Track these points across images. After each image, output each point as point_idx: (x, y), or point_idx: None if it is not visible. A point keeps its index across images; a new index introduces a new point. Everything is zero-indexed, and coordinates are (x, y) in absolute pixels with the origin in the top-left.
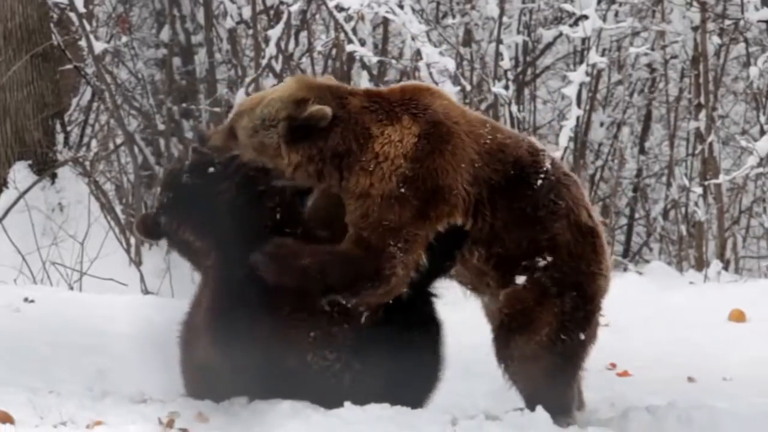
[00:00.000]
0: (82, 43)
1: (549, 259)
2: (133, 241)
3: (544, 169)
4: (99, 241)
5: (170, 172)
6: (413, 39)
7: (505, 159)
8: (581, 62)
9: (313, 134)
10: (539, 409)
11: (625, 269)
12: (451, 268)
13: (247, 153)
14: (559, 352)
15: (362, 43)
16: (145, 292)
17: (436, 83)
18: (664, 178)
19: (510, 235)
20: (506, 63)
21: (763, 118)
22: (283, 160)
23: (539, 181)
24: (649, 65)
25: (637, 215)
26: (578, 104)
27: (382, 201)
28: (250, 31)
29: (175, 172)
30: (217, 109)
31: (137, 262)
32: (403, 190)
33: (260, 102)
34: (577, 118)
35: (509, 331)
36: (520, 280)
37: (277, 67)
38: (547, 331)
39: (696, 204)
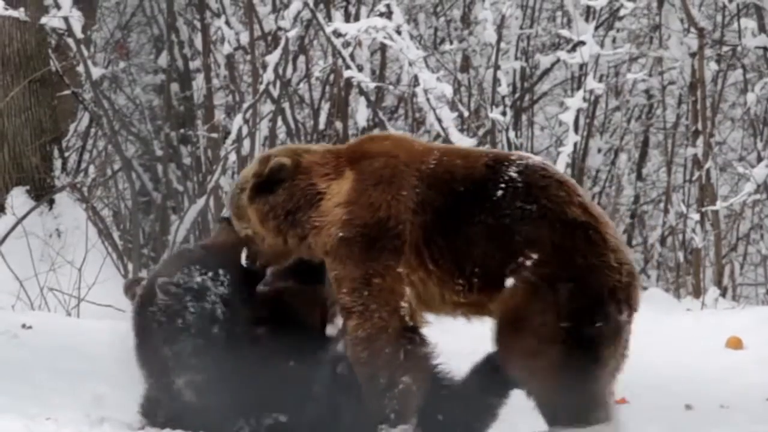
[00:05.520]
0: (80, 68)
1: (534, 256)
2: (130, 267)
3: (505, 179)
4: (97, 267)
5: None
6: (411, 65)
7: (453, 179)
8: (579, 88)
9: (276, 191)
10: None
11: None
12: None
13: (240, 229)
14: (562, 343)
15: (360, 68)
16: None
17: (434, 109)
18: (661, 205)
19: (478, 249)
20: (504, 89)
21: (760, 145)
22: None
23: (499, 192)
24: (646, 91)
25: (634, 242)
26: (575, 130)
27: (333, 254)
28: (248, 57)
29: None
30: (214, 135)
31: None
32: (341, 234)
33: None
34: (575, 145)
35: (505, 333)
36: (509, 282)
37: (275, 92)
38: (542, 322)
39: (693, 231)
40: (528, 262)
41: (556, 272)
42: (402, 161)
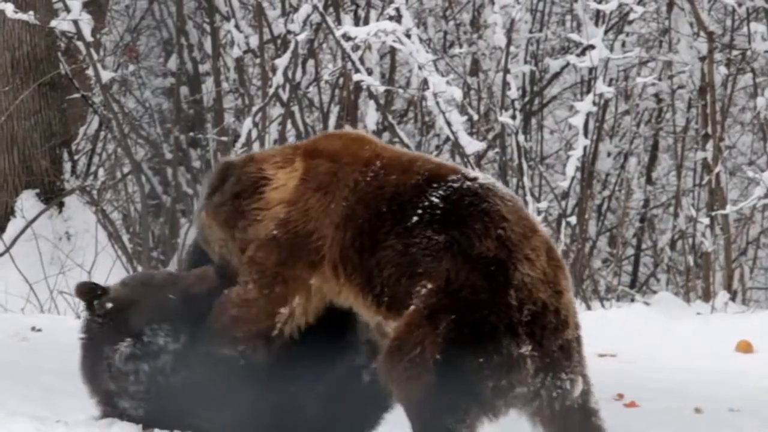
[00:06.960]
0: (90, 72)
1: (429, 286)
2: (140, 270)
3: (425, 204)
4: (106, 270)
5: None
6: (420, 68)
7: (381, 196)
8: (588, 92)
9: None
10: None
11: (633, 300)
12: None
13: (212, 253)
14: (436, 372)
15: (369, 72)
16: None
17: (443, 112)
18: (671, 209)
19: (386, 273)
20: (513, 92)
21: None
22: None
23: (414, 218)
24: (656, 95)
25: (644, 246)
26: (585, 134)
27: (259, 243)
28: (258, 60)
29: None
30: (224, 138)
31: None
32: (275, 232)
33: None
34: (584, 148)
35: (387, 354)
36: (412, 309)
37: (284, 96)
38: (419, 351)
39: (703, 235)
40: (423, 291)
41: (440, 301)
42: (342, 169)
